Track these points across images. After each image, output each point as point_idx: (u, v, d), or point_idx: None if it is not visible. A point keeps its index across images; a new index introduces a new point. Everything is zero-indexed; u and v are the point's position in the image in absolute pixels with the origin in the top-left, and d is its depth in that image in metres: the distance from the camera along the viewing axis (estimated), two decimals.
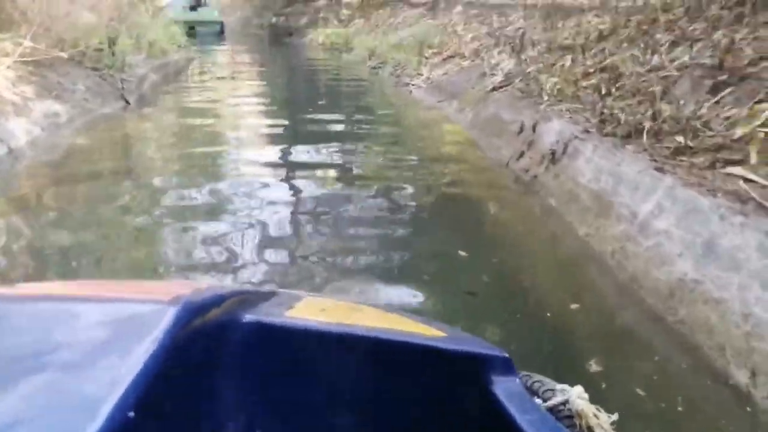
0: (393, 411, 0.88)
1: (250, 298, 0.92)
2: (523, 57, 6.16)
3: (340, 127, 6.07)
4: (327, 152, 4.98)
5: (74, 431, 0.49)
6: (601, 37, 5.63)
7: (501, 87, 6.01)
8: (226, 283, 2.45)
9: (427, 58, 9.33)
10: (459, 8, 11.84)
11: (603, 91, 4.32)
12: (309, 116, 6.75)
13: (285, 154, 4.94)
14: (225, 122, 6.44)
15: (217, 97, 8.18)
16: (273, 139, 5.61)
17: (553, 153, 3.79)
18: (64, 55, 6.10)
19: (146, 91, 7.51)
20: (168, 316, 0.64)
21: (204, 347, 0.75)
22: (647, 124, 3.35)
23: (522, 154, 4.28)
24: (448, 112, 6.54)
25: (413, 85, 8.27)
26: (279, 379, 0.88)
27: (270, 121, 6.43)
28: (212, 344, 0.78)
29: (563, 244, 3.07)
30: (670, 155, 3.01)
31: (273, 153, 5.01)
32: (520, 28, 8.17)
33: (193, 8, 20.81)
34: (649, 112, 3.45)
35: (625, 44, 5.17)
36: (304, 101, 7.82)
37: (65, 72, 6.21)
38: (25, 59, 5.63)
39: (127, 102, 6.67)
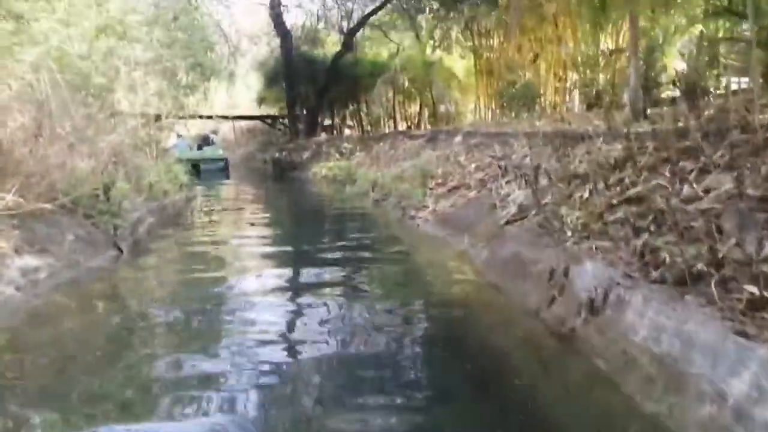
0: None
1: None
2: (535, 188, 5.85)
3: (339, 274, 5.46)
4: (325, 308, 4.29)
5: None
6: (617, 164, 5.34)
7: (515, 220, 5.64)
8: None
9: (431, 189, 9.13)
10: (459, 138, 11.91)
11: (635, 226, 3.90)
12: (312, 255, 6.35)
13: (286, 309, 4.45)
14: (223, 268, 5.99)
15: (217, 238, 7.85)
16: (276, 291, 5.03)
17: (592, 302, 3.28)
18: (48, 206, 5.80)
19: (142, 235, 7.16)
20: None
21: None
22: (705, 268, 2.88)
23: (553, 300, 3.77)
24: (460, 248, 6.12)
25: (419, 217, 7.96)
26: None
27: (273, 270, 5.84)
28: None
29: (629, 427, 2.46)
30: (745, 309, 2.50)
31: (274, 308, 4.48)
32: (526, 156, 8.01)
33: (199, 147, 21.40)
34: (704, 253, 2.99)
35: (645, 172, 4.85)
36: (307, 239, 7.43)
37: (54, 222, 5.89)
38: (10, 212, 5.33)
39: (120, 250, 6.29)
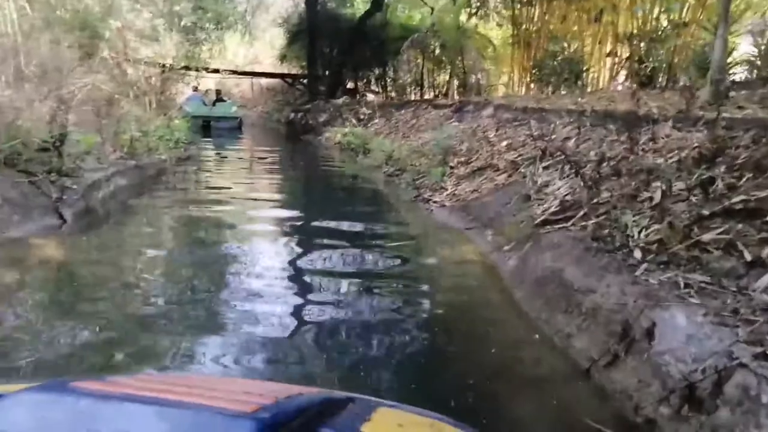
0: None
1: (327, 408, 0.89)
2: (587, 179, 4.51)
3: (319, 285, 4.06)
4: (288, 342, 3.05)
5: None
6: (702, 159, 3.97)
7: (556, 221, 4.33)
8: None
9: (452, 167, 7.81)
10: (489, 111, 10.49)
11: (751, 256, 2.59)
12: (294, 247, 5.13)
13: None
14: (182, 253, 4.81)
15: (192, 209, 6.64)
16: (259, 300, 3.83)
17: (692, 390, 2.00)
18: None
19: (100, 200, 5.98)
20: (247, 430, 0.63)
21: None
22: None
23: (616, 360, 2.50)
24: (481, 247, 4.84)
25: (434, 202, 6.66)
26: None
27: (260, 264, 4.48)
28: None
29: None
30: None
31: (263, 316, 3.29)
32: (569, 137, 6.64)
33: (214, 103, 20.18)
34: None
35: (747, 172, 3.50)
36: (295, 221, 6.20)
37: None
38: None
39: (63, 219, 5.13)
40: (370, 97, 21.68)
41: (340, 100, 19.48)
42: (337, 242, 5.15)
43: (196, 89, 20.34)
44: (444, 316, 3.51)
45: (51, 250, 4.40)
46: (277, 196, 7.49)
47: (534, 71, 15.52)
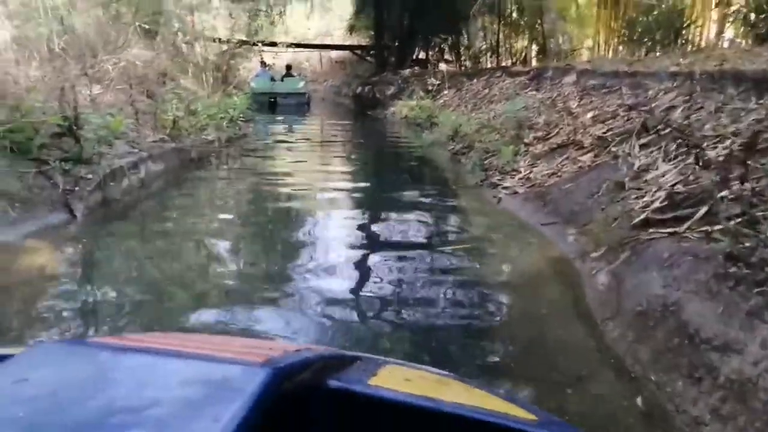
0: None
1: (335, 363, 0.90)
2: (708, 162, 3.35)
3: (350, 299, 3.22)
4: None
5: None
6: None
7: (663, 221, 3.21)
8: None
9: (527, 145, 6.68)
10: (571, 77, 9.16)
11: None
12: (325, 251, 4.28)
13: None
14: (211, 260, 4.05)
15: (229, 204, 5.91)
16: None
17: None
18: None
19: (122, 191, 5.34)
20: (259, 379, 0.63)
21: (290, 412, 0.73)
22: None
23: None
24: (560, 250, 3.80)
25: (504, 187, 5.60)
26: None
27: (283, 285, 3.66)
28: (298, 410, 0.76)
29: None
30: None
31: None
32: (674, 106, 5.36)
33: (282, 79, 19.61)
34: None
35: None
36: (340, 217, 5.31)
37: None
38: None
39: (73, 214, 4.52)
40: (442, 66, 20.40)
41: (407, 71, 18.39)
42: (379, 247, 4.25)
43: (264, 64, 19.85)
44: (505, 363, 2.53)
45: (42, 255, 3.75)
46: (320, 184, 6.62)
47: (623, 31, 13.84)
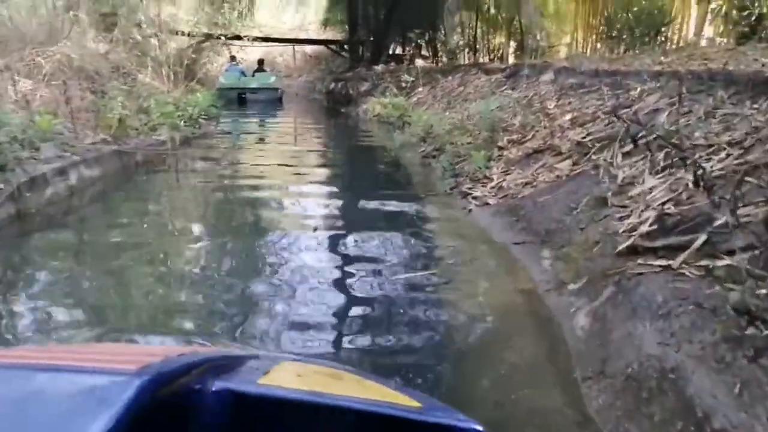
0: None
1: (223, 363, 0.87)
2: (703, 178, 2.88)
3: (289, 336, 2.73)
4: None
5: None
6: None
7: (653, 249, 2.72)
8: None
9: (500, 149, 6.20)
10: (549, 75, 8.71)
11: None
12: (264, 268, 3.73)
13: None
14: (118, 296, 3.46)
15: (179, 206, 5.34)
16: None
17: None
18: None
19: (45, 203, 4.71)
20: (131, 387, 0.61)
21: (170, 418, 0.71)
22: None
23: None
24: (533, 277, 3.30)
25: (474, 199, 5.10)
26: None
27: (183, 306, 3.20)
28: (179, 415, 0.74)
29: None
30: None
31: None
32: (658, 109, 4.90)
33: (253, 74, 18.91)
34: None
35: None
36: (286, 225, 4.81)
37: None
38: None
39: None
40: (418, 62, 19.88)
41: (381, 67, 17.82)
42: (334, 264, 3.72)
43: (233, 59, 19.13)
44: None
45: None
46: (277, 190, 6.06)
47: (602, 28, 13.47)
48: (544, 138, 5.83)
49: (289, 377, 0.91)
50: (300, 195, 5.95)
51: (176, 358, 0.74)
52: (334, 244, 4.18)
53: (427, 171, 6.99)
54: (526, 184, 4.84)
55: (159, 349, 0.88)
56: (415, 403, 0.90)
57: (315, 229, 4.46)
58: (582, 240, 3.34)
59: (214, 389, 0.77)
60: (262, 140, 11.13)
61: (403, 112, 11.17)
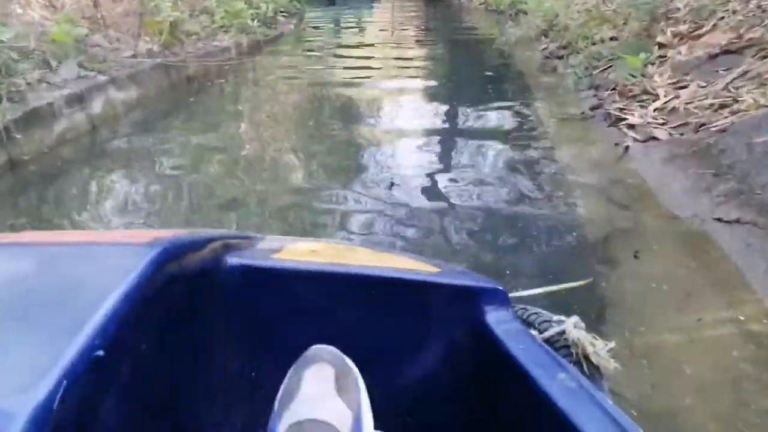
0: (388, 347, 0.85)
1: (235, 242, 0.88)
2: None
3: None
4: None
5: (41, 367, 0.48)
6: None
7: None
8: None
9: (662, 46, 4.35)
10: None
11: None
12: None
13: None
14: None
15: (234, 145, 4.11)
16: None
17: None
18: None
19: (52, 144, 3.64)
20: (144, 258, 0.61)
21: (184, 291, 0.72)
22: None
23: None
24: (762, 301, 1.77)
25: (631, 128, 3.42)
26: (267, 322, 0.84)
27: None
28: (194, 287, 0.75)
29: None
30: None
31: None
32: None
33: None
34: None
35: None
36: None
37: None
38: None
39: None
40: None
41: None
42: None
43: None
44: None
45: None
46: (363, 121, 4.62)
47: None
48: (737, 28, 3.91)
49: (303, 253, 0.90)
50: (389, 131, 4.47)
51: (188, 235, 0.74)
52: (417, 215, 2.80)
53: (553, 79, 5.26)
54: (722, 106, 3.10)
55: (174, 231, 0.77)
56: (434, 269, 0.89)
57: (391, 185, 3.11)
58: None
59: (228, 264, 0.79)
60: (352, 44, 9.41)
61: None
